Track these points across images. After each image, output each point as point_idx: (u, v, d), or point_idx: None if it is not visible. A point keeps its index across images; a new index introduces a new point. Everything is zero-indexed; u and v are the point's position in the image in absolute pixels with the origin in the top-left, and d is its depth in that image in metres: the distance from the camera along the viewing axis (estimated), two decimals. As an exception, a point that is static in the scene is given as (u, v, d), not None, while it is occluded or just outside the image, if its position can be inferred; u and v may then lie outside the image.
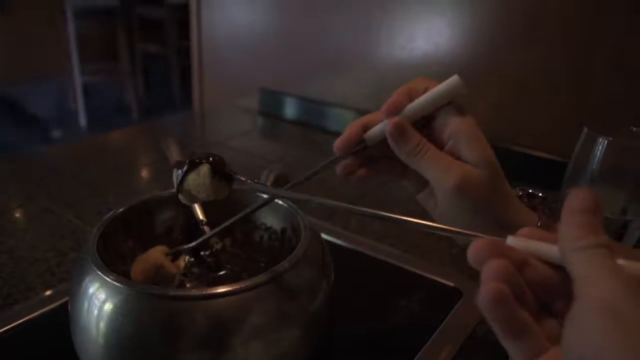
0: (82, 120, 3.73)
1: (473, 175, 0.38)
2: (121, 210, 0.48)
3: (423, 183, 0.41)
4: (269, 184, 0.61)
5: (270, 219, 0.55)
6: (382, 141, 0.40)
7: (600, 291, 0.23)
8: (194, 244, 0.49)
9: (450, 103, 0.39)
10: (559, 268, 0.27)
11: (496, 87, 0.99)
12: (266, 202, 0.48)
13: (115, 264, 0.46)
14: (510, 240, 0.29)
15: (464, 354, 0.51)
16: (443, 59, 1.03)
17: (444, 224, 0.33)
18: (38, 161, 0.98)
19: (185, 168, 0.41)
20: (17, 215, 0.77)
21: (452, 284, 0.61)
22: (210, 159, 0.41)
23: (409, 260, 0.66)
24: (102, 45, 3.97)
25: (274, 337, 0.40)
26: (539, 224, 0.39)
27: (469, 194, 0.37)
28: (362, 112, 1.15)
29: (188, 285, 0.50)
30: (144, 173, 0.99)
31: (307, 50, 1.24)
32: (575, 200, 0.26)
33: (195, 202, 0.45)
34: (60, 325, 0.45)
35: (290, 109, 1.27)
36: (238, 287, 0.38)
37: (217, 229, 0.48)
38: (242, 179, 0.41)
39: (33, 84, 3.74)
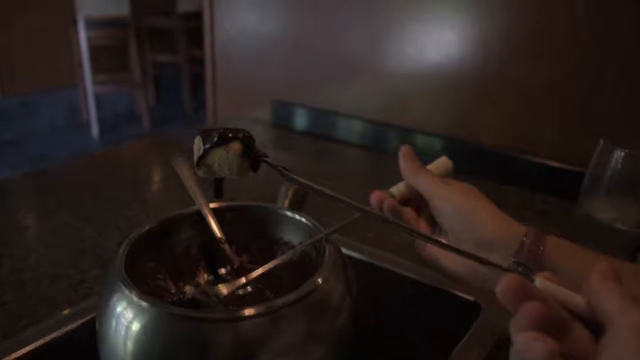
0: (95, 131, 3.76)
1: (453, 185, 0.47)
2: (145, 230, 0.49)
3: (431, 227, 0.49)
4: (287, 200, 0.61)
5: (287, 234, 0.55)
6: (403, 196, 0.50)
7: (635, 318, 0.27)
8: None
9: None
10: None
11: (506, 98, 1.00)
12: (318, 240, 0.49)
13: (138, 284, 0.47)
14: (539, 283, 0.33)
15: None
16: (455, 71, 1.04)
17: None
18: (56, 174, 0.99)
19: (213, 141, 0.38)
20: (38, 229, 0.78)
21: (471, 298, 0.62)
22: (241, 135, 0.38)
23: (427, 274, 0.66)
24: (113, 56, 4.01)
25: (301, 358, 0.41)
26: (524, 237, 0.43)
27: (453, 198, 0.46)
28: (373, 123, 1.17)
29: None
30: (161, 186, 1.00)
31: (319, 60, 1.25)
32: (602, 268, 0.31)
33: (213, 176, 0.40)
34: (86, 343, 0.46)
35: (302, 120, 1.29)
36: (265, 308, 0.39)
37: (265, 267, 0.48)
38: (272, 163, 0.39)
39: (44, 94, 3.77)
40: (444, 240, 0.40)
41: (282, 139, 1.30)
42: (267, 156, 0.40)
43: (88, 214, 0.82)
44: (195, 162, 0.39)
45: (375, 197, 0.48)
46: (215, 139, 0.38)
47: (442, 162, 0.53)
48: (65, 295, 0.62)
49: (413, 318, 0.59)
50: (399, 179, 0.50)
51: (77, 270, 0.67)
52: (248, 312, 0.38)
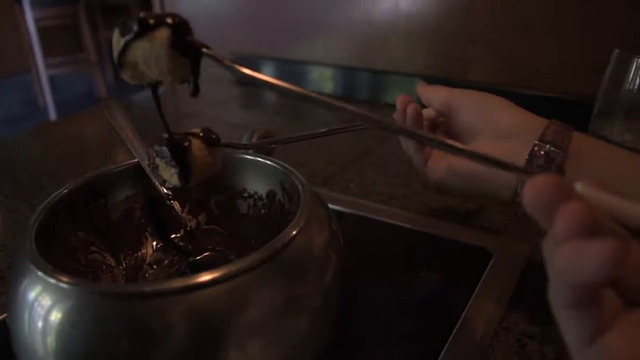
0: (52, 116, 3.56)
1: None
2: (64, 191, 0.38)
3: None
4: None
5: (252, 183, 0.44)
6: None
7: None
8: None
9: None
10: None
11: (494, 26, 0.89)
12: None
13: (62, 261, 0.36)
14: (581, 187, 0.21)
15: (507, 327, 0.42)
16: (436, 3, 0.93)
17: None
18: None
19: (133, 30, 0.28)
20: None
21: (479, 244, 0.52)
22: (169, 20, 0.28)
23: (423, 221, 0.57)
24: (65, 36, 3.77)
25: (278, 332, 0.30)
26: (547, 127, 0.40)
27: (472, 94, 0.45)
28: (346, 69, 1.06)
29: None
30: (115, 156, 0.88)
31: (284, 10, 1.12)
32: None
33: (144, 81, 0.31)
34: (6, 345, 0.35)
35: (268, 73, 1.16)
36: (226, 271, 0.28)
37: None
38: (215, 55, 0.29)
39: (-5, 82, 3.55)
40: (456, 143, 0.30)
41: (247, 96, 1.18)
42: (207, 46, 0.29)
43: (23, 192, 0.70)
44: (116, 62, 0.30)
45: (401, 99, 0.45)
46: (135, 27, 0.28)
47: None
48: (-11, 285, 0.50)
49: (413, 276, 0.49)
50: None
51: (6, 254, 0.55)
52: (202, 279, 0.28)
